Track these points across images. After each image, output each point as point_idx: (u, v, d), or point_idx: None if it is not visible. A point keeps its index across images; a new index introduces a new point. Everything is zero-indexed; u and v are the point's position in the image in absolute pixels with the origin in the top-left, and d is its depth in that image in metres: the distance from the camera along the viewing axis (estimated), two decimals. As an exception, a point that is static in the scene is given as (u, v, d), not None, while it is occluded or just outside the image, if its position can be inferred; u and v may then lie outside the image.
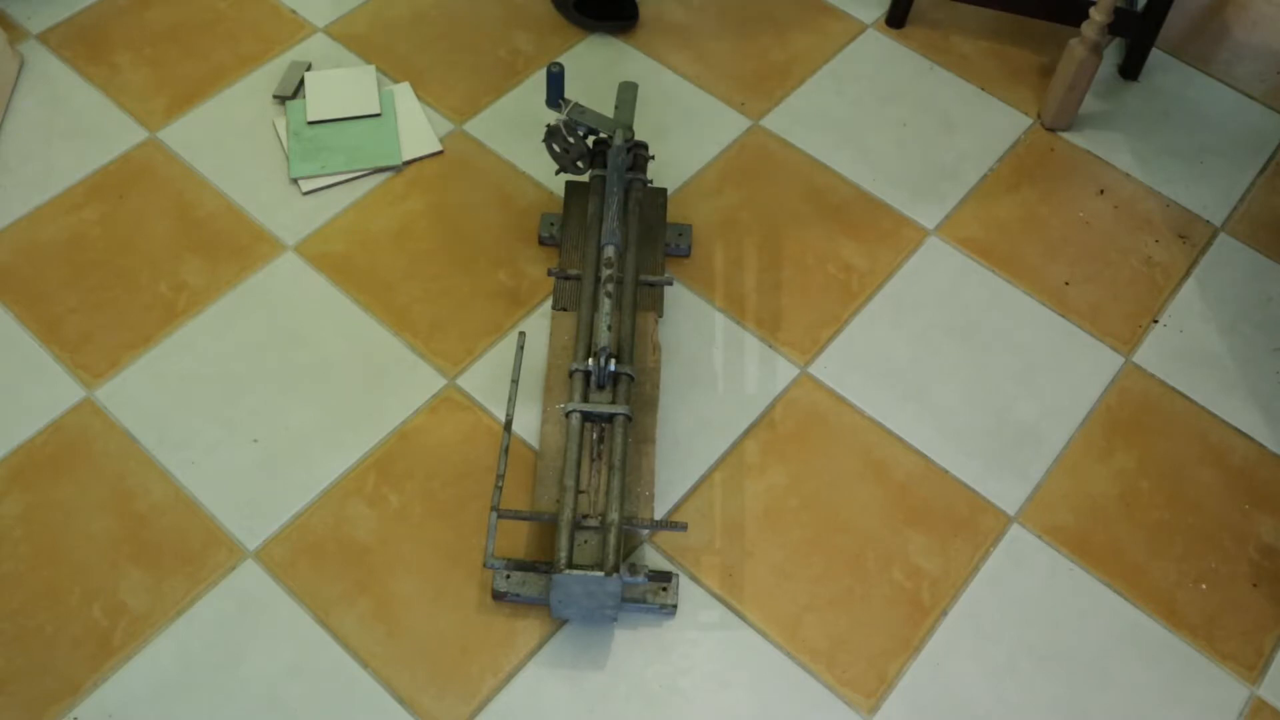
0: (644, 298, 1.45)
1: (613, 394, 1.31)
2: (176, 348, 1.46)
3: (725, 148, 1.70)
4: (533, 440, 1.39)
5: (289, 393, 1.43)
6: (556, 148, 1.47)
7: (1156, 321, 1.56)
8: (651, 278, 1.45)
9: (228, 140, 1.66)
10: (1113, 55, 1.86)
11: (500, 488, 1.24)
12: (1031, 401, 1.47)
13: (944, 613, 1.31)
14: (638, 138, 1.59)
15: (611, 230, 1.36)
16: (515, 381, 1.32)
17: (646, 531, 1.34)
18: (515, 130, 1.70)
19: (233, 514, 1.33)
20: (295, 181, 1.62)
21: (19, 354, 1.44)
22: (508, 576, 1.26)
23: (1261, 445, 1.45)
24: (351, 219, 1.59)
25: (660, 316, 1.46)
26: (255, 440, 1.39)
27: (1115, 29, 1.70)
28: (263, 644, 1.25)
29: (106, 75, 1.73)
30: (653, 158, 1.52)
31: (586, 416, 1.28)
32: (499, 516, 1.23)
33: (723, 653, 1.27)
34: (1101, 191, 1.69)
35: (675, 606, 1.27)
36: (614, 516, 1.20)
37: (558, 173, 1.63)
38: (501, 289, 1.53)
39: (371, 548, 1.31)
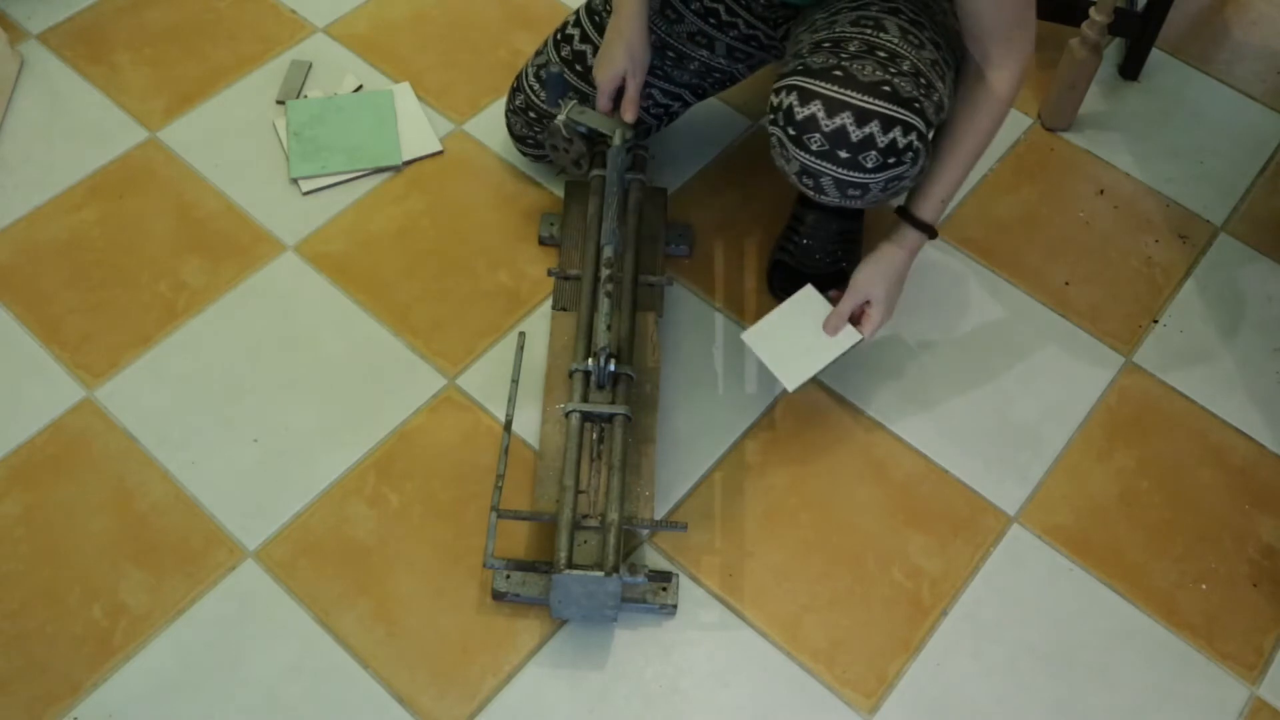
0: (644, 298, 1.45)
1: (613, 394, 1.31)
2: (176, 348, 1.46)
3: (725, 148, 1.70)
4: (533, 440, 1.39)
5: (289, 393, 1.43)
6: (556, 147, 1.47)
7: (1156, 321, 1.56)
8: (651, 278, 1.45)
9: (228, 140, 1.66)
10: (1113, 55, 1.86)
11: (500, 488, 1.24)
12: (1031, 401, 1.47)
13: (944, 613, 1.31)
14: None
15: (611, 230, 1.36)
16: (515, 381, 1.32)
17: (646, 531, 1.34)
18: (515, 130, 1.70)
19: (233, 514, 1.33)
20: (295, 181, 1.62)
21: (19, 354, 1.44)
22: (508, 576, 1.26)
23: (1261, 445, 1.45)
24: (351, 219, 1.59)
25: (660, 316, 1.46)
26: (255, 440, 1.39)
27: (1115, 29, 1.70)
28: (263, 644, 1.25)
29: (106, 75, 1.73)
30: (653, 158, 1.52)
31: (586, 416, 1.28)
32: (499, 516, 1.23)
33: (723, 653, 1.27)
34: (1101, 191, 1.69)
35: (675, 606, 1.27)
36: (614, 516, 1.20)
37: (559, 173, 1.63)
38: (501, 289, 1.53)
39: (371, 548, 1.31)
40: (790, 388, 1.33)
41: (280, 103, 1.71)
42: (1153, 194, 1.69)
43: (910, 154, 1.19)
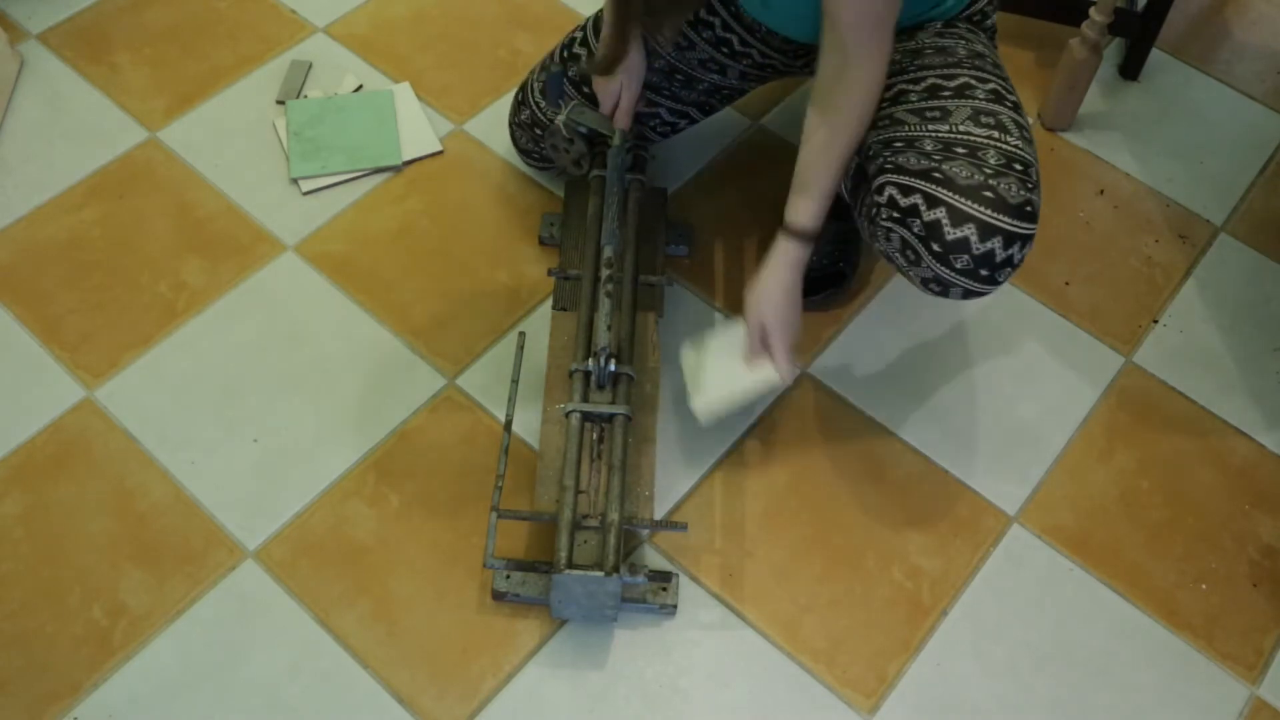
0: (644, 298, 1.45)
1: (613, 394, 1.31)
2: (176, 348, 1.46)
3: (724, 148, 1.70)
4: (533, 440, 1.39)
5: (289, 393, 1.43)
6: (556, 148, 1.47)
7: (1156, 321, 1.56)
8: (651, 278, 1.45)
9: (228, 140, 1.66)
10: (1113, 55, 1.86)
11: (500, 488, 1.24)
12: (1031, 401, 1.47)
13: (944, 613, 1.31)
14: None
15: (611, 230, 1.36)
16: (515, 381, 1.32)
17: (646, 531, 1.34)
18: (515, 130, 1.70)
19: (233, 514, 1.33)
20: (295, 181, 1.62)
21: (19, 354, 1.44)
22: (508, 576, 1.26)
23: (1261, 445, 1.45)
24: (351, 219, 1.59)
25: (660, 316, 1.46)
26: (255, 440, 1.39)
27: (1115, 29, 1.70)
28: (263, 644, 1.25)
29: (106, 75, 1.73)
30: (653, 158, 1.52)
31: (586, 416, 1.28)
32: (499, 516, 1.23)
33: (723, 653, 1.27)
34: (1101, 191, 1.69)
35: (675, 606, 1.27)
36: (614, 516, 1.20)
37: (560, 173, 1.63)
38: (501, 289, 1.53)
39: (371, 548, 1.31)
40: (700, 417, 1.30)
41: (280, 103, 1.71)
42: (1153, 194, 1.69)
43: (1023, 258, 1.19)
